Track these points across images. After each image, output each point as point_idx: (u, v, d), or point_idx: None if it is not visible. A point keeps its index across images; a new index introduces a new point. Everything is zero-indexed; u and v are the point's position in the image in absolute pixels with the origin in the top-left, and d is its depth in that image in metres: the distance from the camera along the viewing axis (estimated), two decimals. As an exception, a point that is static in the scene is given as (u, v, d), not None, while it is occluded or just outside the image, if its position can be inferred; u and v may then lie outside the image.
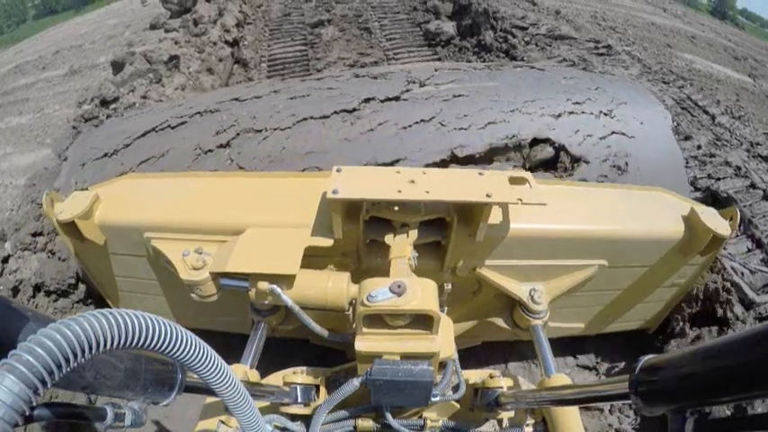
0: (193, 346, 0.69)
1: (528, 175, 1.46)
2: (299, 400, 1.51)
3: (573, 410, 1.41)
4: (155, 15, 7.97)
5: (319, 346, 2.15)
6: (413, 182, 1.39)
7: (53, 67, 8.62)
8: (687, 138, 4.34)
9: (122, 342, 0.56)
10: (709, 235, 1.73)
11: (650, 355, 0.84)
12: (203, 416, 1.38)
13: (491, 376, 1.52)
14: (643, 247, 1.82)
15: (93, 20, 14.44)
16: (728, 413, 1.75)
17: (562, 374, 1.57)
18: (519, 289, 1.77)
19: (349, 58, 5.65)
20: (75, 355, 0.50)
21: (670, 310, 2.26)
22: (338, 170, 1.44)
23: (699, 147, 4.26)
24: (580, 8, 7.64)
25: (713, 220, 1.77)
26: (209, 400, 1.39)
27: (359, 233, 1.57)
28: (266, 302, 1.49)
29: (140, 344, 0.59)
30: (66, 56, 9.28)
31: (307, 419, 1.44)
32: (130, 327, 0.56)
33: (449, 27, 6.12)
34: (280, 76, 5.46)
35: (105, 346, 0.53)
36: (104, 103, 3.48)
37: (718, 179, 3.71)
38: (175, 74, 4.43)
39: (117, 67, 4.42)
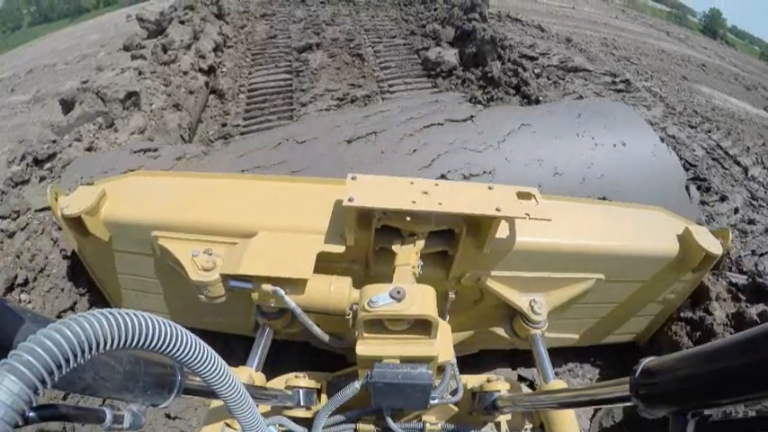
0: (194, 347, 0.68)
1: (534, 191, 1.49)
2: (302, 403, 1.51)
3: (570, 415, 1.45)
4: (130, 35, 7.37)
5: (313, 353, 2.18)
6: (426, 193, 1.42)
7: (21, 89, 8.04)
8: (723, 198, 3.86)
9: (122, 342, 0.55)
10: (702, 253, 1.80)
11: (650, 358, 0.83)
12: (207, 420, 1.36)
13: (488, 380, 1.54)
14: (639, 263, 1.87)
15: (77, 33, 14.19)
16: (730, 415, 1.76)
17: (560, 380, 1.61)
18: (520, 299, 1.81)
19: (338, 89, 5.04)
20: (76, 356, 0.49)
21: (660, 324, 2.30)
22: (353, 178, 1.44)
23: (736, 210, 3.78)
24: (589, 34, 7.14)
25: (706, 239, 1.83)
26: (214, 404, 1.37)
27: (370, 241, 1.59)
28: (272, 305, 1.49)
29: (140, 344, 0.58)
30: (37, 76, 8.69)
31: (309, 422, 1.42)
32: (130, 327, 0.56)
33: (450, 56, 5.53)
34: (259, 110, 4.84)
35: (105, 346, 0.53)
36: (37, 162, 2.84)
37: (762, 255, 3.23)
38: (134, 114, 3.78)
39: (66, 106, 3.77)
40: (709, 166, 4.26)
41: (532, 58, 5.27)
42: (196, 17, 5.71)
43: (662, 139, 2.41)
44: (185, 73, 4.66)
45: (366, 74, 5.47)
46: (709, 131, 4.83)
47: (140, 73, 4.38)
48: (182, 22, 5.38)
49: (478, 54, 5.39)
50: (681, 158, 4.11)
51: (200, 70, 5.00)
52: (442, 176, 2.11)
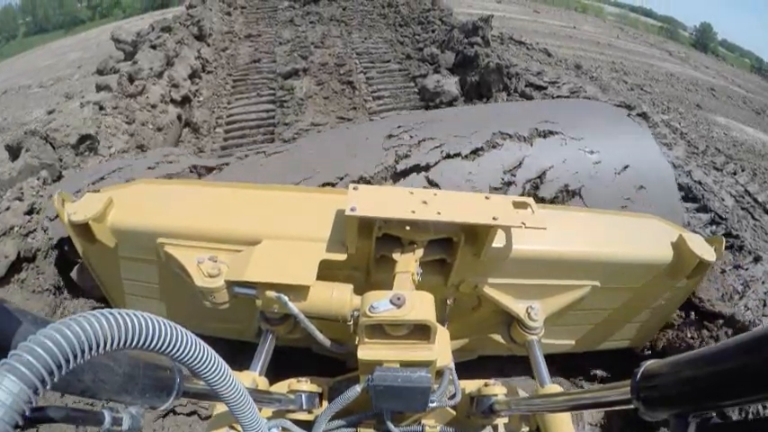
0: (194, 347, 0.68)
1: (530, 200, 1.52)
2: (304, 406, 1.53)
3: (566, 418, 1.48)
4: (105, 57, 6.89)
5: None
6: (425, 203, 1.47)
7: (-11, 115, 7.49)
8: (757, 259, 3.34)
9: (123, 342, 0.55)
10: (696, 260, 1.84)
11: (651, 360, 0.83)
12: (212, 425, 1.37)
13: (486, 385, 1.56)
14: (634, 270, 1.91)
15: (61, 50, 13.98)
16: (731, 417, 1.75)
17: (556, 385, 1.65)
18: (517, 306, 1.84)
19: (326, 123, 4.55)
20: (76, 356, 0.49)
21: (656, 330, 2.35)
22: (354, 188, 1.50)
23: (771, 275, 3.26)
24: (596, 57, 6.72)
25: (700, 246, 1.86)
26: (218, 409, 1.40)
27: (370, 249, 1.64)
28: (275, 311, 1.52)
29: (141, 344, 0.58)
30: (9, 100, 8.21)
31: (311, 425, 1.42)
32: (131, 327, 0.55)
33: (451, 84, 5.07)
34: (237, 147, 4.33)
35: (106, 346, 0.52)
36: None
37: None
38: (89, 160, 3.27)
39: (12, 152, 3.24)
40: (740, 218, 3.79)
41: (541, 88, 4.80)
42: (171, 40, 5.20)
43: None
44: (153, 106, 4.15)
45: (357, 105, 4.99)
46: (735, 173, 4.38)
47: (101, 108, 3.86)
48: (153, 47, 4.87)
49: (482, 83, 4.92)
50: (710, 210, 3.67)
51: (173, 101, 4.49)
52: (399, 127, 2.36)
